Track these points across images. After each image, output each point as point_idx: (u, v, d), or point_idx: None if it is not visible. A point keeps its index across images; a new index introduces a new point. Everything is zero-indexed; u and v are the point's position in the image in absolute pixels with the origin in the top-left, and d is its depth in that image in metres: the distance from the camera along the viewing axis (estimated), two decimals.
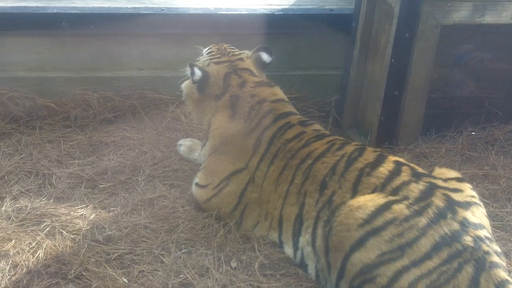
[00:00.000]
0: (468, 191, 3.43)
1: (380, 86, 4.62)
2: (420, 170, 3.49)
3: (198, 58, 4.26)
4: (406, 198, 3.22)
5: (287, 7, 5.32)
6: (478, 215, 3.25)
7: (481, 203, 3.41)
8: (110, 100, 4.84)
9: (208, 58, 4.17)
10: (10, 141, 4.47)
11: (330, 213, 3.39)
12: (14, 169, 4.22)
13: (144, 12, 4.96)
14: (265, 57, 4.19)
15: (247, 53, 4.25)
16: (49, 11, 4.82)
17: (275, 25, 5.11)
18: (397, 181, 3.32)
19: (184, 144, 4.54)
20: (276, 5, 5.31)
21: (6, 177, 4.15)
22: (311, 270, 3.53)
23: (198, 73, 3.99)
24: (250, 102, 3.98)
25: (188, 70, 4.08)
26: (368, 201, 3.23)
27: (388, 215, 3.15)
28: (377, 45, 4.73)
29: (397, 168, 3.41)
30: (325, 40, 5.19)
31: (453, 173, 3.60)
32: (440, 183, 3.36)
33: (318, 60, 5.22)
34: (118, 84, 4.92)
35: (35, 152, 4.38)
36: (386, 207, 3.18)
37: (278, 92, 4.12)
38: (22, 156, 4.34)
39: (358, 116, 4.95)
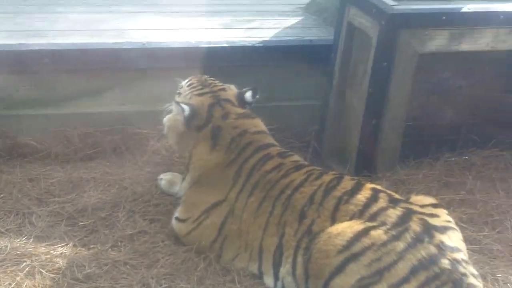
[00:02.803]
0: (444, 216, 3.48)
1: (359, 115, 4.66)
2: (397, 196, 3.55)
3: (178, 91, 4.29)
4: (383, 223, 3.27)
5: (267, 39, 5.41)
6: (454, 239, 3.30)
7: (457, 228, 3.47)
8: (90, 136, 4.86)
9: (189, 90, 4.21)
10: None
11: (309, 241, 3.41)
12: None
13: (125, 47, 5.01)
14: (248, 96, 4.21)
15: (229, 85, 4.30)
16: (30, 48, 4.86)
17: (256, 57, 5.19)
18: (375, 208, 3.37)
19: (164, 178, 4.55)
20: (256, 37, 5.40)
21: None
22: None
23: (186, 109, 4.02)
24: (232, 134, 4.02)
25: (173, 106, 4.12)
26: (346, 228, 3.27)
27: (366, 241, 3.19)
28: (355, 74, 4.78)
29: (374, 195, 3.46)
30: (305, 71, 5.24)
31: (429, 200, 3.64)
32: (416, 208, 3.41)
33: (298, 90, 5.28)
34: (99, 120, 4.94)
35: (15, 191, 4.37)
36: (364, 233, 3.22)
37: (259, 123, 4.16)
38: (2, 195, 4.33)
39: (338, 145, 4.97)
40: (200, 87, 4.23)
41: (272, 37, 5.47)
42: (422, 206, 3.50)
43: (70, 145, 4.78)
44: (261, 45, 5.28)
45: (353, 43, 4.82)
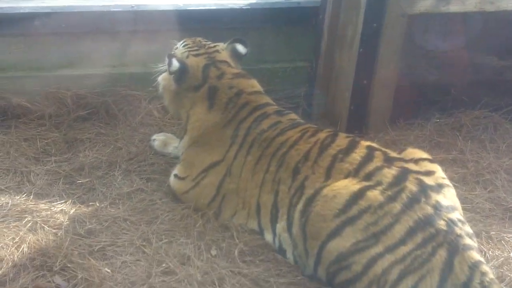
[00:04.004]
0: (439, 173, 3.56)
1: (349, 76, 4.73)
2: (392, 154, 3.59)
3: (173, 52, 4.29)
4: (379, 183, 3.32)
5: (254, 1, 5.40)
6: (449, 196, 3.38)
7: (451, 185, 3.54)
8: (83, 97, 4.85)
9: (185, 50, 4.22)
10: None
11: (305, 201, 3.45)
12: None
13: (114, 9, 5.00)
14: (241, 48, 4.26)
15: (222, 45, 4.30)
16: (21, 11, 4.83)
17: (244, 19, 5.20)
18: (370, 167, 3.43)
19: (158, 139, 4.60)
20: None
21: None
22: (289, 255, 3.63)
23: (175, 64, 4.03)
24: (228, 94, 4.05)
25: (165, 61, 4.11)
26: (342, 189, 3.33)
27: (362, 203, 3.25)
28: (344, 36, 4.83)
29: (370, 153, 3.52)
30: (293, 33, 5.27)
31: (424, 154, 3.71)
32: (412, 167, 3.47)
33: (287, 52, 5.30)
34: (91, 82, 4.94)
35: (12, 150, 4.40)
36: (360, 194, 3.28)
37: (255, 84, 4.20)
38: None
39: (328, 106, 5.05)
40: (196, 48, 4.24)
41: None
42: (417, 160, 3.57)
43: (63, 107, 4.77)
44: (249, 7, 5.28)
45: (341, 4, 4.86)
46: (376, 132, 4.74)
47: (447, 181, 3.52)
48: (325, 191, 3.38)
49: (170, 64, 4.05)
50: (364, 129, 4.75)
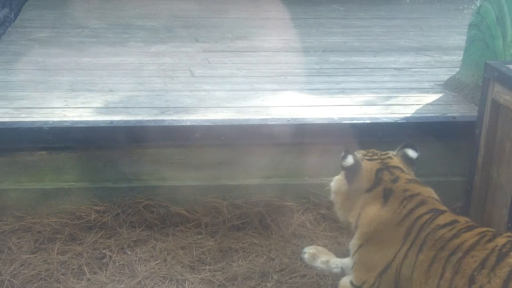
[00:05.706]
0: None
1: (507, 192, 4.59)
2: None
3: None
4: None
5: (409, 115, 5.44)
6: None
7: None
8: (238, 207, 5.01)
9: (360, 155, 4.22)
10: (146, 248, 4.68)
11: None
12: (149, 274, 4.40)
13: (271, 123, 5.19)
14: (411, 153, 4.22)
15: (392, 152, 4.28)
16: (183, 124, 5.12)
17: (398, 133, 5.21)
18: None
19: (308, 252, 4.62)
20: (399, 113, 5.45)
21: (142, 282, 4.33)
22: None
23: (350, 159, 4.03)
24: (403, 195, 3.96)
25: (341, 156, 4.10)
26: None
27: None
28: (502, 151, 4.73)
29: None
30: (448, 147, 5.26)
31: None
32: None
33: (441, 166, 5.27)
34: (247, 192, 5.11)
35: (169, 258, 4.57)
36: None
37: (432, 192, 4.10)
38: (157, 262, 4.53)
39: (484, 222, 4.89)
40: (370, 154, 4.23)
41: (414, 113, 5.50)
42: None
43: (219, 216, 4.95)
44: (404, 121, 5.32)
45: (498, 119, 4.80)
46: None
47: None
48: None
49: (344, 158, 4.04)
50: None
